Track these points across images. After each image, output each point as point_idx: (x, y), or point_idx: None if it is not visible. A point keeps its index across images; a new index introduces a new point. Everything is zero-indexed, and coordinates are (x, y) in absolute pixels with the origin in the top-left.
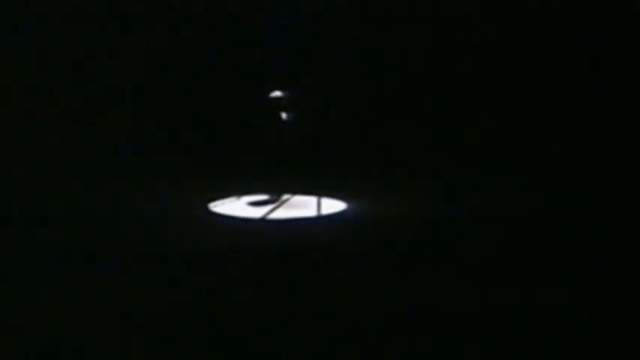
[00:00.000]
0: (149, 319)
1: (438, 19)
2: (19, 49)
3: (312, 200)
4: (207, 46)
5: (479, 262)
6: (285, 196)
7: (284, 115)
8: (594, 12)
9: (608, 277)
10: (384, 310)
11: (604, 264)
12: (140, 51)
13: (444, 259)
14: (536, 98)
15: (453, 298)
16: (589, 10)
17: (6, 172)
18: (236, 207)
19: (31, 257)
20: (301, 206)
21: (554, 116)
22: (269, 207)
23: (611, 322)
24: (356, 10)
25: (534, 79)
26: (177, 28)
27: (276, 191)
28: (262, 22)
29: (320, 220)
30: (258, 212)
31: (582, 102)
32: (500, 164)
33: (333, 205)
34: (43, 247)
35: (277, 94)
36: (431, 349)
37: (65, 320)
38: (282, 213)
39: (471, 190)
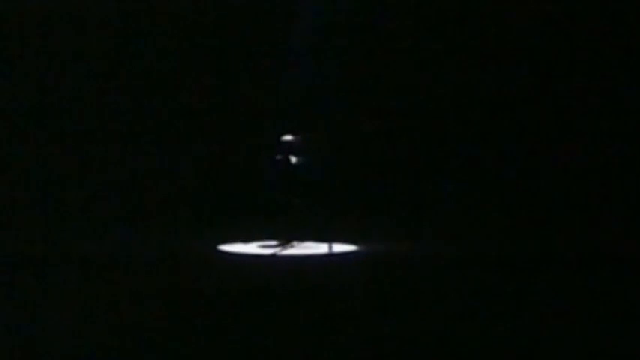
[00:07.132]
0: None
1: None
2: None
3: (322, 245)
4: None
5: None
6: (295, 243)
7: (294, 160)
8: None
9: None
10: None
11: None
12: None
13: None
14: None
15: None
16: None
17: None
18: (246, 248)
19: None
20: (312, 248)
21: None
22: (278, 248)
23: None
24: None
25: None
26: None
27: (286, 237)
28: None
29: (331, 258)
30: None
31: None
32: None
33: (344, 248)
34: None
35: (288, 138)
36: None
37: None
38: (293, 252)
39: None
